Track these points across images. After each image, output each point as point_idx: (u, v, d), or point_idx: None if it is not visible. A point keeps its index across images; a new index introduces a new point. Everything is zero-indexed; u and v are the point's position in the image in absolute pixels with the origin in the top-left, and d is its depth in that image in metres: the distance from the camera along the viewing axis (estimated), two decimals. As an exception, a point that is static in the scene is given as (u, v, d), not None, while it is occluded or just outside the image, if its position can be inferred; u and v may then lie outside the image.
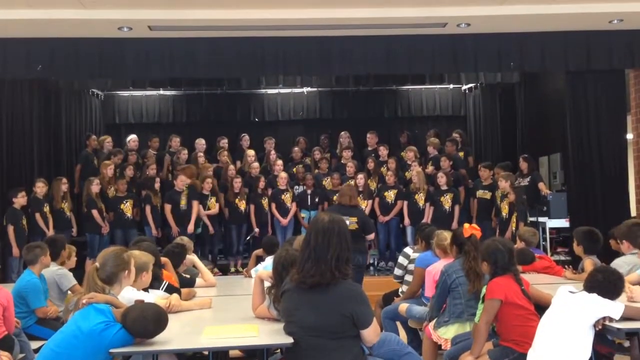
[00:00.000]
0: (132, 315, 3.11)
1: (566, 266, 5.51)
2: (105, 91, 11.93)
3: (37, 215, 8.18)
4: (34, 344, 4.55)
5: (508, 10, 7.63)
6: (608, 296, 3.41)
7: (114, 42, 8.09)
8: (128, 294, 3.61)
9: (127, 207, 8.82)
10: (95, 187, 8.66)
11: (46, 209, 8.33)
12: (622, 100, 8.97)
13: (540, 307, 3.77)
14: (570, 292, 3.53)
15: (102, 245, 8.22)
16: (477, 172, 9.51)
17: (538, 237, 6.24)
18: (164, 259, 4.83)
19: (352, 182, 9.22)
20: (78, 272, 5.39)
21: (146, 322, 3.10)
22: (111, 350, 3.03)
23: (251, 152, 10.03)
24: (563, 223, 8.57)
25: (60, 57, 8.10)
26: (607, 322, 3.36)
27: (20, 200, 8.01)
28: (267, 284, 3.72)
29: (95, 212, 8.57)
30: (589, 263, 4.85)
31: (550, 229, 8.58)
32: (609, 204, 8.65)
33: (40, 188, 8.31)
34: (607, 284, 3.45)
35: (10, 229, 7.86)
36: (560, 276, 5.24)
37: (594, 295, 3.40)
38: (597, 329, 3.39)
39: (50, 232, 8.13)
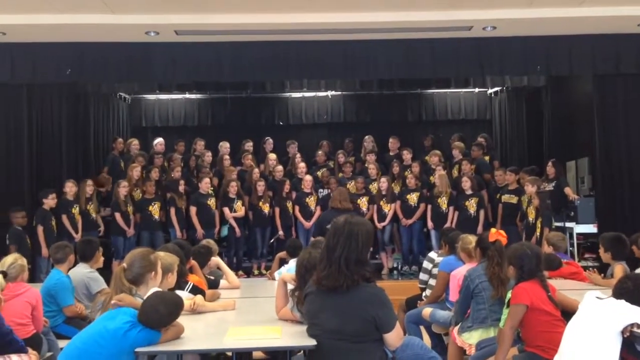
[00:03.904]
0: (142, 307, 3.16)
1: (590, 269, 5.43)
2: (133, 95, 12.10)
3: (64, 217, 8.31)
4: (62, 343, 4.61)
5: (535, 13, 7.57)
6: (637, 303, 3.34)
7: (141, 46, 8.23)
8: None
9: (155, 209, 8.90)
10: (122, 190, 8.74)
11: (75, 210, 8.46)
12: (652, 105, 8.82)
13: (567, 313, 3.71)
14: (598, 298, 3.47)
15: (128, 247, 8.33)
16: (495, 177, 9.43)
17: (566, 242, 6.15)
18: (192, 262, 4.87)
19: (375, 185, 9.25)
20: (104, 272, 5.46)
21: (155, 306, 3.14)
22: (137, 350, 3.07)
23: (272, 156, 10.07)
24: (591, 229, 8.43)
25: (89, 61, 8.25)
26: (635, 329, 3.30)
27: (50, 201, 8.16)
28: (290, 286, 3.73)
29: (118, 215, 8.66)
30: (620, 269, 4.77)
31: (578, 234, 8.45)
32: (637, 209, 8.50)
33: (70, 189, 8.46)
34: (637, 291, 3.38)
35: (40, 230, 8.00)
36: (587, 282, 5.16)
37: (622, 302, 3.34)
38: (624, 335, 3.32)
39: (79, 234, 8.25)
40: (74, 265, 5.33)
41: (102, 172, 10.12)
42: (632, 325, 3.29)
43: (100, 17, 7.49)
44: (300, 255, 3.75)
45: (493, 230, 4.46)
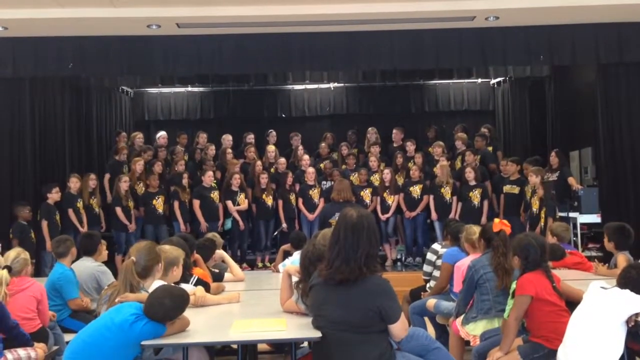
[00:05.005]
0: (148, 300, 3.18)
1: (595, 261, 5.42)
2: (135, 88, 12.11)
3: (70, 211, 8.35)
4: (67, 337, 4.64)
5: (537, 2, 7.54)
6: (641, 292, 3.34)
7: (143, 39, 8.21)
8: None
9: (159, 203, 8.91)
10: (123, 185, 8.74)
11: (79, 204, 8.49)
12: (656, 93, 8.77)
13: (572, 303, 3.72)
14: (602, 287, 3.48)
15: (131, 241, 8.36)
16: (499, 168, 9.43)
17: (570, 232, 6.14)
18: (195, 256, 4.87)
19: (376, 176, 9.28)
20: (107, 266, 5.47)
21: (161, 299, 3.16)
22: (143, 343, 3.08)
23: (272, 148, 10.06)
24: (594, 218, 8.40)
25: (91, 54, 8.24)
26: (639, 319, 3.31)
27: (54, 195, 8.19)
28: (294, 278, 3.74)
29: (118, 210, 8.66)
30: (622, 259, 4.77)
31: (581, 224, 8.43)
32: (641, 199, 8.49)
33: (74, 184, 8.49)
34: (641, 281, 3.39)
35: (44, 224, 8.03)
36: (591, 272, 5.16)
37: (627, 292, 3.35)
38: (629, 325, 3.33)
39: (84, 228, 8.28)
40: (77, 259, 5.35)
41: (118, 141, 10.08)
42: (637, 314, 3.30)
43: (102, 11, 7.47)
44: (304, 247, 3.76)
45: (496, 220, 4.45)
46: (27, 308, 4.37)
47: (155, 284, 3.62)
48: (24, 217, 7.92)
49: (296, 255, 5.40)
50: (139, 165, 9.21)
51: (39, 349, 4.16)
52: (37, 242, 7.98)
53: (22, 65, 8.22)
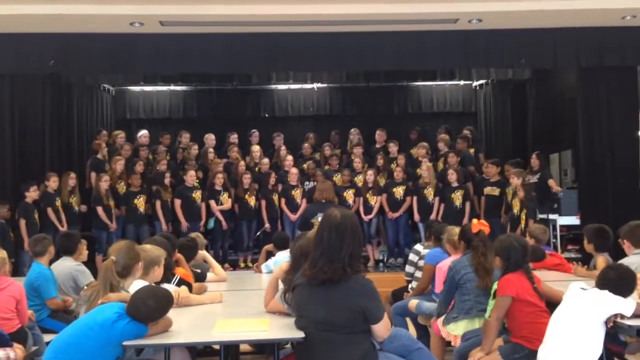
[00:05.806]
0: (131, 300, 3.16)
1: (574, 262, 5.49)
2: (117, 86, 11.97)
3: (49, 210, 8.23)
4: (46, 337, 4.58)
5: (520, 6, 7.62)
6: (620, 294, 3.39)
7: (126, 37, 8.16)
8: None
9: (140, 202, 8.83)
10: (104, 184, 8.65)
11: (58, 203, 8.38)
12: (634, 97, 8.90)
13: (552, 303, 3.75)
14: (582, 288, 3.52)
15: (112, 240, 8.27)
16: (481, 169, 9.50)
17: (548, 234, 6.20)
18: (177, 256, 4.85)
19: (360, 177, 9.29)
20: (87, 266, 5.43)
21: (145, 299, 3.13)
22: (124, 343, 3.05)
23: (256, 148, 10.04)
24: (574, 220, 8.51)
25: (73, 52, 8.17)
26: (618, 319, 3.35)
27: (32, 194, 8.06)
28: (281, 285, 3.72)
29: (99, 210, 8.56)
30: (602, 260, 4.83)
31: (561, 226, 8.53)
32: (620, 201, 8.60)
33: (52, 182, 8.37)
34: (619, 282, 3.43)
35: (23, 223, 7.91)
36: (571, 273, 5.22)
37: (606, 292, 3.39)
38: (608, 326, 3.37)
39: (64, 227, 8.18)
40: (56, 259, 5.29)
41: (98, 139, 9.95)
42: (615, 315, 3.34)
43: (85, 7, 7.40)
44: (297, 240, 3.69)
45: (475, 221, 4.49)
46: (6, 308, 4.30)
47: (136, 283, 3.60)
48: (3, 216, 7.80)
49: (279, 256, 5.40)
50: (119, 164, 9.13)
51: (18, 349, 4.10)
52: (15, 242, 7.86)
53: (3, 62, 8.12)
